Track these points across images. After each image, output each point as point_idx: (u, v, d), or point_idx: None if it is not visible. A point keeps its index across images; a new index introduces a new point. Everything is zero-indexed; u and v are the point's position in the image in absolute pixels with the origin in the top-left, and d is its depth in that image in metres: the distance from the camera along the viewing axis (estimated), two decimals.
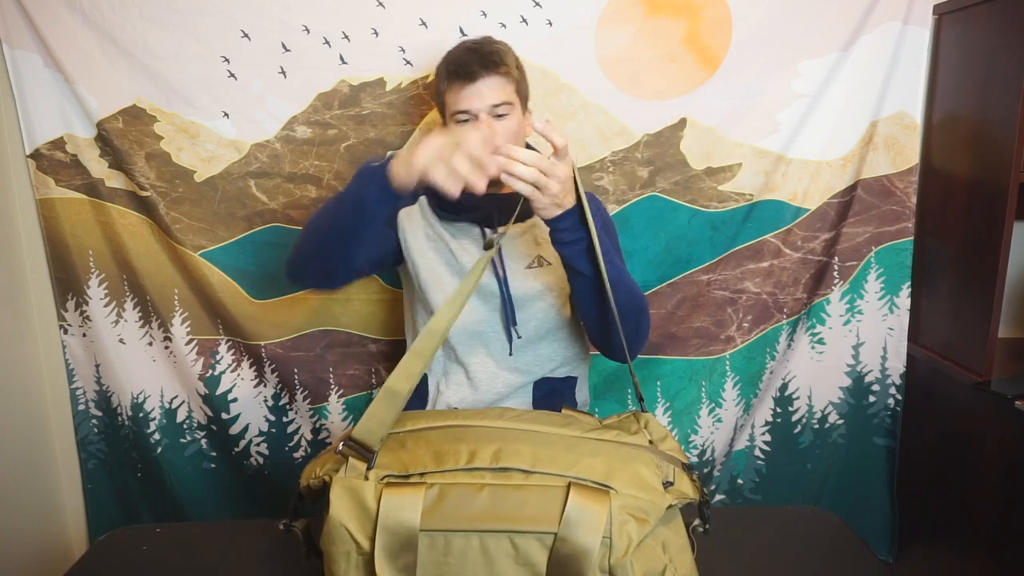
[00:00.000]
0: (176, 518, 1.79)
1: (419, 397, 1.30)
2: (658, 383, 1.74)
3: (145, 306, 1.70)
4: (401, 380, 0.78)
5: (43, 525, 1.76)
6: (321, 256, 1.13)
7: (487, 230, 1.21)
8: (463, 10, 1.54)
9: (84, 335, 1.72)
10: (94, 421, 1.77)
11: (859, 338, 1.73)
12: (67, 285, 1.69)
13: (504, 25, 1.55)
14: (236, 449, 1.76)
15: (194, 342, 1.71)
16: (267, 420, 1.76)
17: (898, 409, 1.75)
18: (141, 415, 1.73)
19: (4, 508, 1.61)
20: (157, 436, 1.74)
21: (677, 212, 1.66)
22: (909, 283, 1.70)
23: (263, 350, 1.70)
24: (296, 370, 1.72)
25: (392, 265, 1.29)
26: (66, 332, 1.72)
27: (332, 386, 1.74)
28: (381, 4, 1.53)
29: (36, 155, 1.61)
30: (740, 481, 1.79)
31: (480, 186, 0.87)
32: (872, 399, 1.76)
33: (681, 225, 1.67)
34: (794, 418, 1.77)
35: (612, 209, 1.65)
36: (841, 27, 1.56)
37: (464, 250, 1.21)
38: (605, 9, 1.55)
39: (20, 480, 1.67)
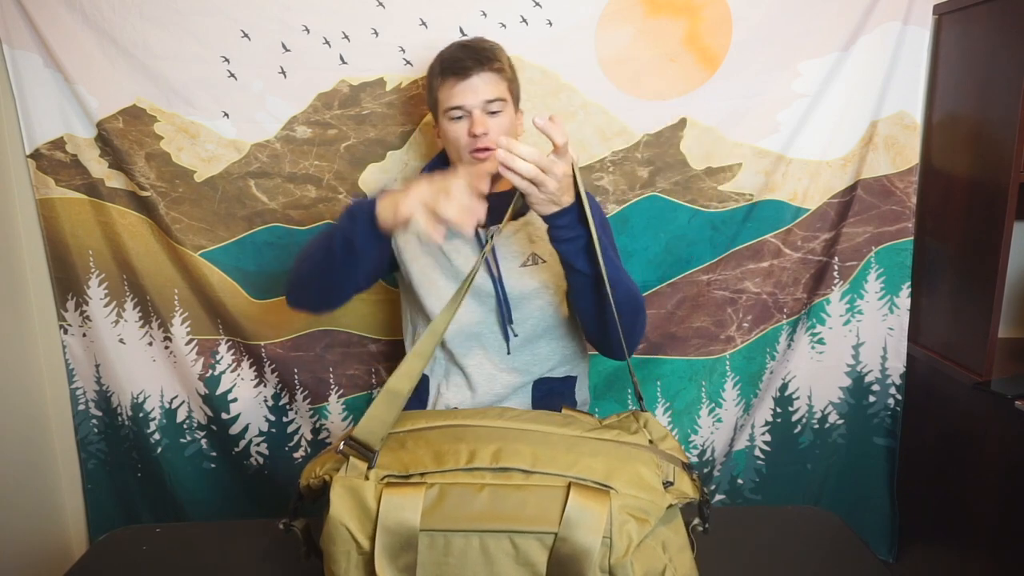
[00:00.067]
0: (176, 518, 1.79)
1: (419, 400, 1.30)
2: (658, 383, 1.75)
3: (145, 306, 1.70)
4: (402, 381, 0.78)
5: (43, 525, 1.76)
6: (318, 289, 1.15)
7: (480, 230, 1.21)
8: (463, 10, 1.54)
9: (84, 335, 1.72)
10: (94, 421, 1.77)
11: (859, 338, 1.73)
12: (67, 285, 1.69)
13: (504, 25, 1.55)
14: (236, 449, 1.76)
15: (194, 342, 1.71)
16: (267, 420, 1.76)
17: (898, 409, 1.75)
18: (141, 415, 1.73)
19: (4, 508, 1.61)
20: (157, 436, 1.74)
21: (677, 212, 1.66)
22: (909, 283, 1.70)
23: (263, 350, 1.70)
24: (296, 370, 1.72)
25: (389, 272, 1.30)
26: (66, 332, 1.72)
27: (332, 386, 1.74)
28: (381, 4, 1.53)
29: (36, 155, 1.61)
30: (740, 481, 1.79)
31: (468, 231, 0.87)
32: (872, 399, 1.76)
33: (681, 225, 1.67)
34: (794, 418, 1.77)
35: (612, 209, 1.65)
36: (841, 27, 1.56)
37: (457, 251, 1.21)
38: (605, 9, 1.55)
39: (20, 480, 1.67)
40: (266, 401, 1.76)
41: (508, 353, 1.24)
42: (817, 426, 1.77)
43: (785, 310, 1.72)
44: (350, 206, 1.05)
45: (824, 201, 1.67)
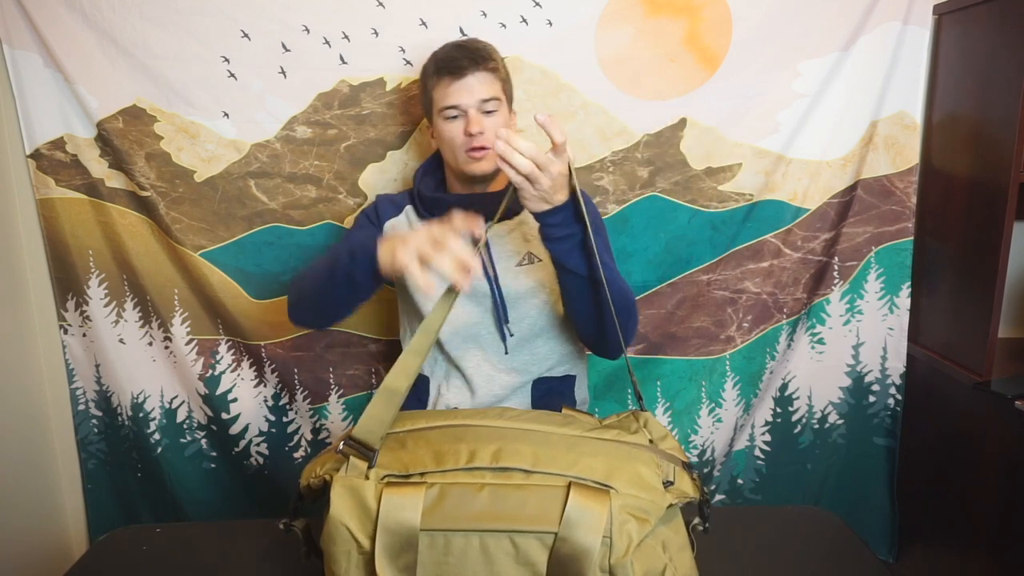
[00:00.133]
0: (176, 518, 1.79)
1: (420, 402, 1.29)
2: (658, 383, 1.75)
3: (145, 306, 1.70)
4: (399, 378, 0.79)
5: (43, 525, 1.76)
6: (321, 311, 1.16)
7: None
8: (463, 10, 1.54)
9: (84, 335, 1.72)
10: (94, 421, 1.77)
11: (859, 338, 1.73)
12: (67, 285, 1.69)
13: (504, 25, 1.55)
14: (236, 449, 1.76)
15: (194, 342, 1.71)
16: (267, 420, 1.76)
17: (898, 409, 1.75)
18: (141, 415, 1.73)
19: (4, 508, 1.61)
20: (157, 436, 1.74)
21: (677, 212, 1.66)
22: (909, 283, 1.70)
23: (263, 350, 1.70)
24: (296, 370, 1.72)
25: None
26: (66, 332, 1.72)
27: (332, 386, 1.74)
28: (381, 4, 1.53)
29: (36, 155, 1.61)
30: (740, 481, 1.79)
31: (464, 287, 0.85)
32: (872, 399, 1.76)
33: (681, 225, 1.67)
34: (794, 418, 1.77)
35: (612, 209, 1.65)
36: (841, 27, 1.56)
37: None
38: (605, 9, 1.55)
39: (20, 480, 1.67)
40: (266, 401, 1.76)
41: (506, 353, 1.24)
42: (817, 426, 1.77)
43: (785, 310, 1.72)
44: (351, 245, 1.04)
45: (824, 201, 1.67)
